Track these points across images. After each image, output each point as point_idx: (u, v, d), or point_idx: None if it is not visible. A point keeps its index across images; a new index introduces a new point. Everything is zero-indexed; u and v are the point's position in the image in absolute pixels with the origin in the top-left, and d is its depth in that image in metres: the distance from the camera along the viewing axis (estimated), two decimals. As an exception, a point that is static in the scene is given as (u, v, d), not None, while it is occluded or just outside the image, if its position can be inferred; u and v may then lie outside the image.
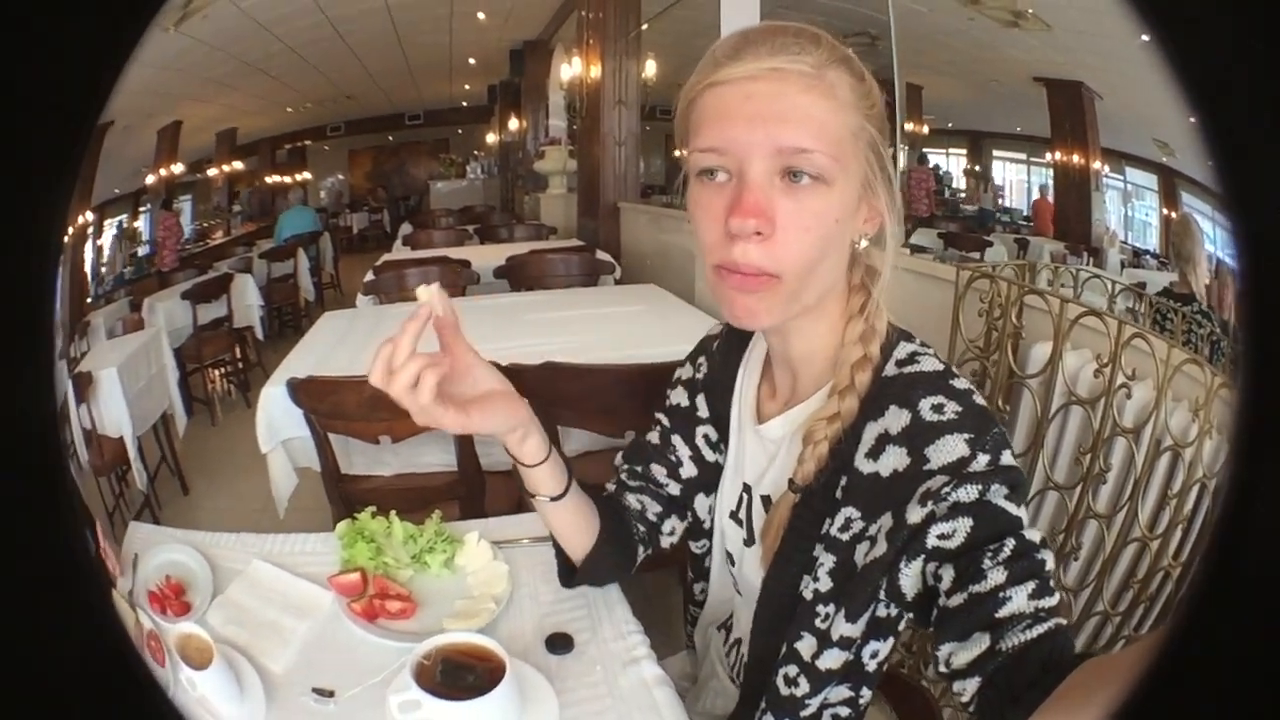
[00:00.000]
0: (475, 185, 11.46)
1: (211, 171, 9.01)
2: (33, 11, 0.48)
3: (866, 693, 1.31)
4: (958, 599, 1.00)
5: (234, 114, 9.03)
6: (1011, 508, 1.03)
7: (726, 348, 1.51)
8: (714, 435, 1.51)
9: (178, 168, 8.11)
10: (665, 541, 1.58)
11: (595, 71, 7.79)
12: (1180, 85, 0.46)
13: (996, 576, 0.98)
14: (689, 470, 1.54)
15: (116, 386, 4.54)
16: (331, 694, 1.45)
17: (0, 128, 0.49)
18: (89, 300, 6.98)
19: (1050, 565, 1.00)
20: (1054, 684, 0.86)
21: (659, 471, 1.56)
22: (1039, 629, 0.94)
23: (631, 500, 1.56)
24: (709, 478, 1.51)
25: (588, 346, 3.49)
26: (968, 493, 1.03)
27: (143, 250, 7.93)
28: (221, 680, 1.42)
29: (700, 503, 1.53)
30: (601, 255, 6.26)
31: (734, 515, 1.44)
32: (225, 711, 1.41)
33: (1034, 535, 1.01)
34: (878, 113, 1.14)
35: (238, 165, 9.32)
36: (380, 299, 5.22)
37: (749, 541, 1.41)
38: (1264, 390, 0.47)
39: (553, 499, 1.41)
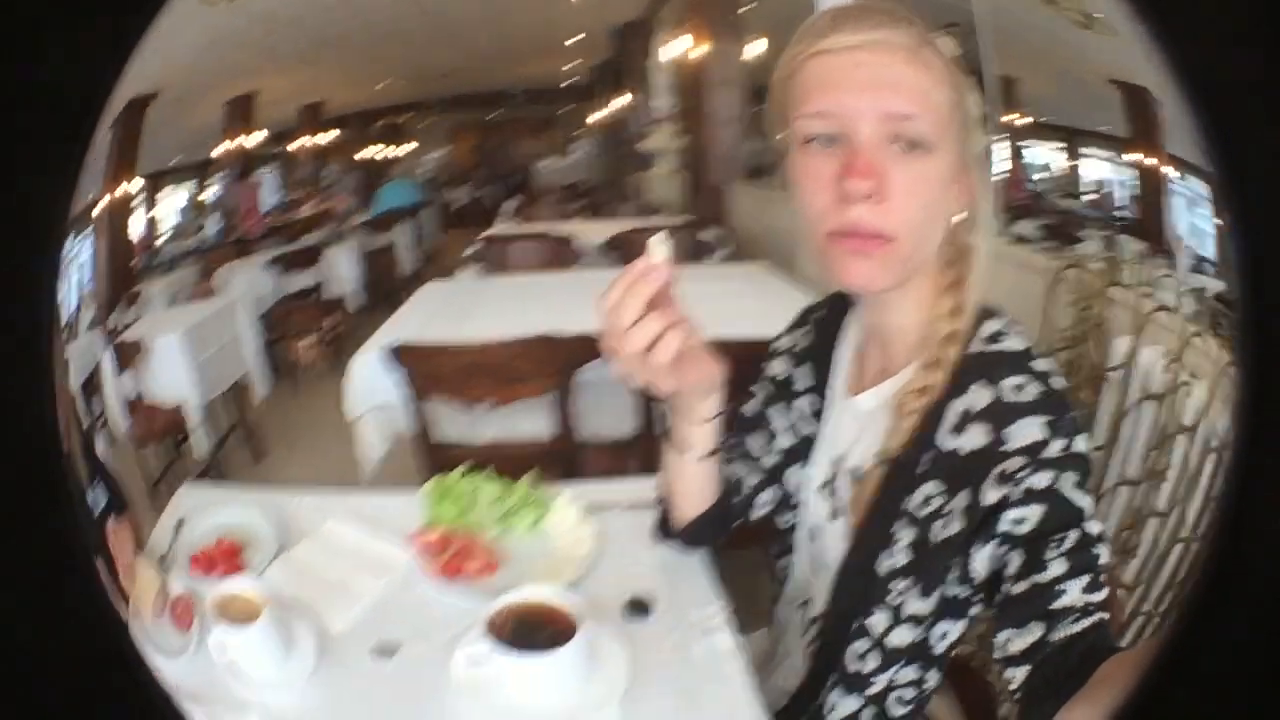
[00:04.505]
0: (580, 162, 11.36)
1: (297, 144, 8.98)
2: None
3: (933, 677, 1.33)
4: (1020, 586, 1.05)
5: (319, 88, 8.92)
6: (1078, 497, 1.06)
7: (826, 320, 1.51)
8: (810, 407, 1.50)
9: (256, 139, 8.08)
10: (757, 514, 1.59)
11: (697, 52, 7.76)
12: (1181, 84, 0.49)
13: (1057, 568, 1.02)
14: (784, 441, 1.53)
15: (179, 354, 4.59)
16: (394, 652, 1.48)
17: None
18: (139, 269, 7.03)
19: (1104, 559, 1.04)
20: (1088, 674, 0.91)
21: (755, 443, 1.57)
22: (1085, 623, 0.99)
23: (728, 471, 1.55)
24: (803, 450, 1.50)
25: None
26: (1041, 479, 1.06)
27: (213, 219, 7.97)
28: (263, 639, 1.45)
29: (792, 475, 1.52)
30: (705, 234, 6.24)
31: (822, 488, 1.45)
32: (259, 674, 1.44)
33: (1094, 528, 1.05)
34: (967, 93, 1.17)
35: (327, 138, 9.29)
36: (481, 272, 5.31)
37: (834, 515, 1.42)
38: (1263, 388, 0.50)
39: (703, 456, 1.44)
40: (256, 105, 7.96)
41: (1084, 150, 4.46)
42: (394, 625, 1.56)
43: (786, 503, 1.56)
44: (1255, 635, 0.53)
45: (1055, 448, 1.08)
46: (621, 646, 1.39)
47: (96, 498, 1.98)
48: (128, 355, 4.55)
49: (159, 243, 7.44)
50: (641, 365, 1.18)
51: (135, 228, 7.01)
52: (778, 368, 1.57)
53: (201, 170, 7.81)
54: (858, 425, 1.38)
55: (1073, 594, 1.00)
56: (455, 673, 1.34)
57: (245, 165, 7.99)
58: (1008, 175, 4.87)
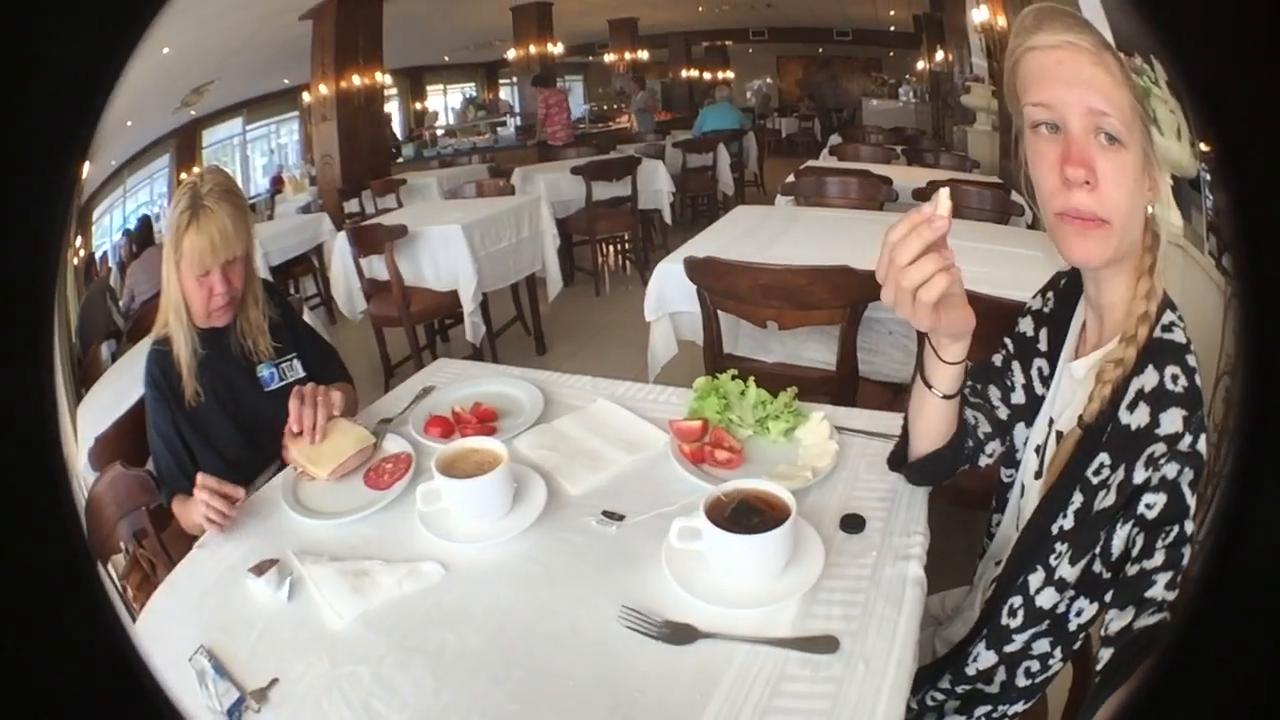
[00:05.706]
0: (907, 108, 10.98)
1: (608, 57, 8.94)
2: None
3: (1059, 656, 1.40)
4: (1133, 570, 1.15)
5: (631, 3, 8.93)
6: (1189, 495, 1.14)
7: (1069, 287, 1.56)
8: (1046, 369, 1.56)
9: (557, 48, 8.01)
10: (983, 461, 1.67)
11: (1002, 21, 7.49)
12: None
13: (1158, 559, 1.12)
14: (1019, 397, 1.61)
15: (461, 243, 4.77)
16: (622, 518, 1.65)
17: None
18: (396, 160, 7.29)
19: (1186, 561, 1.11)
20: (1135, 669, 1.02)
21: (995, 393, 1.64)
22: (1157, 618, 1.08)
23: (968, 415, 1.63)
24: (1033, 408, 1.58)
25: (971, 277, 3.42)
26: (1172, 470, 1.15)
27: (510, 121, 8.07)
28: (487, 491, 1.62)
29: (1019, 432, 1.61)
30: (1015, 197, 6.08)
31: (1038, 449, 1.53)
32: (467, 526, 1.63)
33: (1190, 527, 1.12)
34: (1147, 100, 1.21)
35: (642, 55, 9.21)
36: (798, 201, 5.29)
37: (1038, 474, 1.50)
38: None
39: (945, 396, 1.53)
40: (556, 14, 7.93)
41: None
42: (630, 496, 1.73)
43: (1010, 457, 1.64)
44: (1255, 636, 0.58)
45: (1185, 442, 1.16)
46: (821, 550, 1.52)
47: (286, 370, 2.25)
48: (372, 240, 4.81)
49: (429, 136, 7.65)
50: (909, 299, 1.28)
51: (390, 119, 7.24)
52: (1025, 326, 1.64)
53: (489, 71, 7.95)
54: (1070, 390, 1.46)
55: (1159, 587, 1.09)
56: (668, 541, 1.49)
57: (546, 71, 8.02)
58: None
